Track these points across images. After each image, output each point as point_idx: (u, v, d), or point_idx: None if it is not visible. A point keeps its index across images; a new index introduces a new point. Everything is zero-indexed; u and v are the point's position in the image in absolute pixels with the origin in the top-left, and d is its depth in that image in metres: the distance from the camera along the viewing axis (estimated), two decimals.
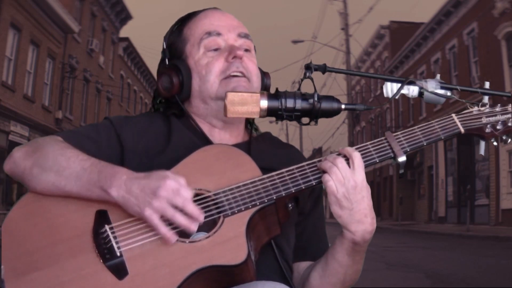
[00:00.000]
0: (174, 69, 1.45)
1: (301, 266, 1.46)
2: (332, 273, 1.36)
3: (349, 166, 1.26)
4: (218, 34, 1.44)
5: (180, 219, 1.18)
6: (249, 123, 1.55)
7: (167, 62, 1.48)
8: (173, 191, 1.18)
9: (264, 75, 1.52)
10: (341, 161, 1.26)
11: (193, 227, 1.19)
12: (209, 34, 1.44)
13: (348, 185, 1.25)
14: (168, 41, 1.50)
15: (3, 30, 16.35)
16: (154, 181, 1.19)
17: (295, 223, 1.46)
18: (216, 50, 1.44)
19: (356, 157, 1.27)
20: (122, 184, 1.21)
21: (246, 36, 1.48)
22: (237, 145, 1.40)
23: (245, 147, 1.43)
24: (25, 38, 17.92)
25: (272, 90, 1.34)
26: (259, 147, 1.48)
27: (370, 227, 1.28)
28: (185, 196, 1.19)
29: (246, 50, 1.47)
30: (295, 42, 27.39)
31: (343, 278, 1.36)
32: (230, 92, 1.30)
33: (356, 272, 1.37)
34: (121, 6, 26.01)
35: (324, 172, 1.27)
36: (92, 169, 1.25)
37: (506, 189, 17.89)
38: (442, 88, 1.38)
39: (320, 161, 1.31)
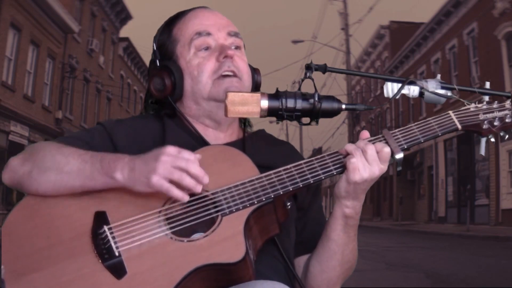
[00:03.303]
0: (166, 70, 1.45)
1: (302, 260, 1.47)
2: (330, 255, 1.38)
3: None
4: (208, 34, 1.45)
5: (187, 180, 1.19)
6: (243, 121, 1.55)
7: (158, 63, 1.48)
8: (174, 155, 1.20)
9: (255, 71, 1.52)
10: (371, 148, 1.28)
11: (199, 188, 1.21)
12: (199, 34, 1.45)
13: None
14: (158, 42, 1.50)
15: (3, 30, 16.34)
16: (155, 151, 1.22)
17: (294, 219, 1.46)
18: (206, 49, 1.45)
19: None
20: (125, 164, 1.22)
21: (235, 34, 1.48)
22: (231, 144, 1.41)
23: (239, 145, 1.43)
24: (25, 38, 17.91)
25: (272, 90, 1.33)
26: (254, 144, 1.48)
27: (363, 200, 1.34)
28: (187, 157, 1.20)
29: (237, 48, 1.47)
30: (295, 42, 27.39)
31: (341, 259, 1.38)
32: (230, 92, 1.30)
33: (352, 251, 1.39)
34: (121, 6, 25.98)
35: (345, 155, 1.30)
36: (93, 159, 1.26)
37: (506, 189, 17.88)
38: (442, 88, 1.39)
39: (321, 158, 1.31)
